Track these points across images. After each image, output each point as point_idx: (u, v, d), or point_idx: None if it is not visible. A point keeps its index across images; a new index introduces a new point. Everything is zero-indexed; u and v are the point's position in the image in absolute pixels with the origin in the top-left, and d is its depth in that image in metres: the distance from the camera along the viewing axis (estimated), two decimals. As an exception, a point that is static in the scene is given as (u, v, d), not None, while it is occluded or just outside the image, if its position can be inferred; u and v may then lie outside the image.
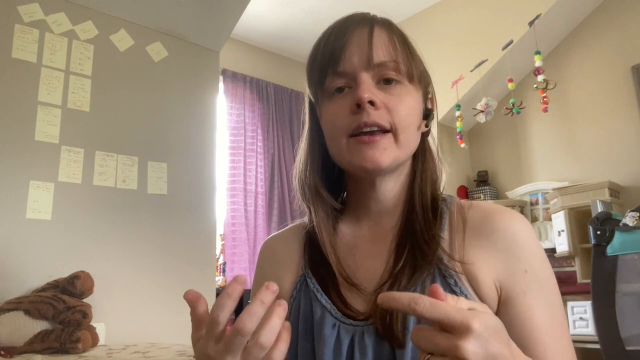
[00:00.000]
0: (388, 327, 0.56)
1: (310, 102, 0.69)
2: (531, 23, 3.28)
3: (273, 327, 0.45)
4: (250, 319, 0.45)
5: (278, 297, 0.68)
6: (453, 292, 0.57)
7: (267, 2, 3.81)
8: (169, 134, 2.48)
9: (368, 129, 0.59)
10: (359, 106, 0.59)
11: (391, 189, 0.66)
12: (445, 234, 0.62)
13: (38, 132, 2.06)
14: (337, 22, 0.65)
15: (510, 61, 3.51)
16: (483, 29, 3.75)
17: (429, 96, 0.68)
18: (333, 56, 0.61)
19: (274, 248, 0.74)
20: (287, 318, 0.66)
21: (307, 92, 0.69)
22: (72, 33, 2.24)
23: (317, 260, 0.66)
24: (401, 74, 0.61)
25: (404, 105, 0.60)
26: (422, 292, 0.57)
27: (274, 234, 0.78)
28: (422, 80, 0.65)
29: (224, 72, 4.00)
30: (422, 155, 0.68)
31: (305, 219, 0.74)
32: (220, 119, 3.82)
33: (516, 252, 0.59)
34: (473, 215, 0.63)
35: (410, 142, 0.63)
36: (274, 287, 0.46)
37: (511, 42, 3.44)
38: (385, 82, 0.61)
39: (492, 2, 3.77)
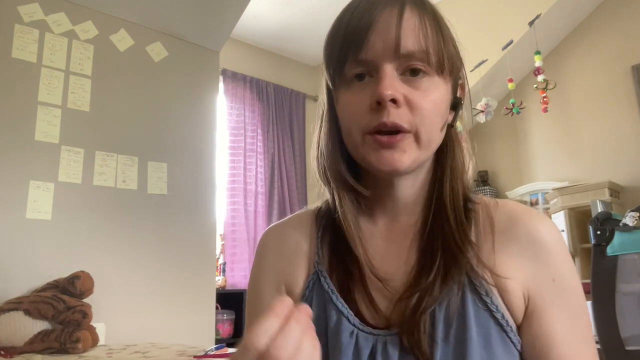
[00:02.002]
0: (416, 340, 0.52)
1: (328, 84, 0.62)
2: (531, 23, 3.28)
3: (291, 336, 0.40)
4: (264, 334, 0.40)
5: (290, 294, 0.62)
6: (484, 302, 0.53)
7: (267, 2, 3.81)
8: (169, 134, 2.48)
9: (387, 130, 0.53)
10: (379, 103, 0.53)
11: (410, 186, 0.60)
12: (474, 238, 0.57)
13: (38, 132, 2.06)
14: None
15: (510, 61, 3.51)
16: (483, 29, 3.75)
17: (460, 82, 0.61)
18: (355, 40, 0.54)
19: (280, 239, 0.66)
20: None
21: (323, 72, 0.61)
22: (72, 33, 2.24)
23: (337, 255, 0.60)
24: (430, 65, 0.54)
25: (428, 101, 0.54)
26: (451, 302, 0.53)
27: (277, 222, 0.69)
28: (453, 70, 0.58)
29: (224, 72, 4.00)
30: (450, 149, 0.61)
31: (312, 206, 0.68)
32: (220, 119, 3.82)
33: (545, 260, 0.55)
34: (500, 217, 0.58)
35: (433, 141, 0.57)
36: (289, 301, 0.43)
37: (511, 42, 3.44)
38: (411, 72, 0.54)
39: (492, 2, 3.77)
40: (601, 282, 2.31)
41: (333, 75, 0.58)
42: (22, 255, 1.94)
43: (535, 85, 3.20)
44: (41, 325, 1.72)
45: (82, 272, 1.88)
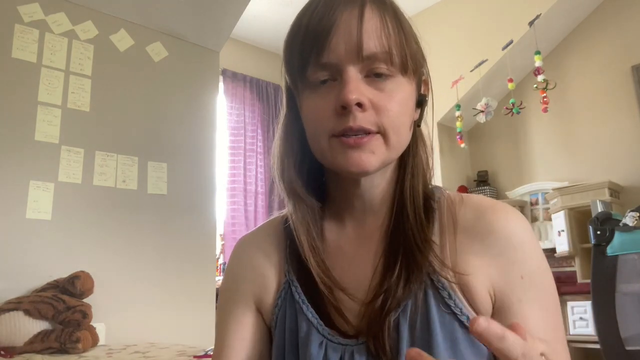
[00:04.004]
0: (381, 344, 0.52)
1: (289, 88, 0.61)
2: (531, 23, 3.28)
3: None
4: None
5: (260, 306, 0.62)
6: (447, 305, 0.52)
7: (267, 2, 3.82)
8: (169, 134, 2.48)
9: (354, 132, 0.53)
10: (344, 107, 0.52)
11: (377, 186, 0.59)
12: (436, 237, 0.56)
13: (38, 132, 2.06)
14: None
15: (510, 61, 3.51)
16: (483, 29, 3.75)
17: (423, 78, 0.60)
18: (316, 42, 0.52)
19: (250, 252, 0.65)
20: (272, 330, 0.61)
21: (284, 75, 0.60)
22: (72, 33, 2.24)
23: (301, 264, 0.59)
24: (394, 65, 0.53)
25: (394, 102, 0.53)
26: (415, 305, 0.53)
27: (247, 233, 0.68)
28: (417, 67, 0.57)
29: (224, 72, 4.00)
30: (413, 147, 0.59)
31: (282, 212, 0.67)
32: (220, 119, 3.82)
33: (512, 257, 0.54)
34: (465, 214, 0.57)
35: (402, 141, 0.56)
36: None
37: (511, 42, 3.44)
38: (375, 75, 0.53)
39: (492, 2, 3.77)
40: (601, 282, 2.31)
41: (295, 80, 0.57)
42: (22, 255, 1.94)
43: (535, 85, 3.20)
44: (41, 325, 1.72)
45: (82, 272, 1.88)
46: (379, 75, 0.53)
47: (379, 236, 0.59)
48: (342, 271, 0.58)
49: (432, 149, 0.62)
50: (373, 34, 0.52)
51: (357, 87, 0.51)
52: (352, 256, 0.59)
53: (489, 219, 0.55)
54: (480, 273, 0.53)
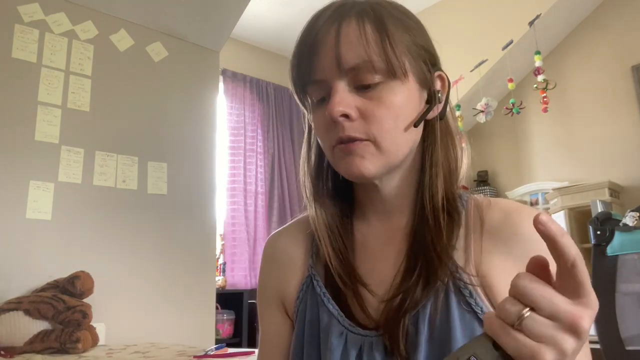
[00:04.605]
0: (396, 341, 0.53)
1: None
2: (531, 23, 3.28)
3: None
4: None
5: (284, 301, 0.66)
6: (468, 304, 0.53)
7: (267, 2, 3.82)
8: (169, 134, 2.48)
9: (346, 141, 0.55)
10: (333, 120, 0.54)
11: (396, 187, 0.60)
12: (460, 240, 0.57)
13: (38, 132, 2.06)
14: (313, 15, 0.59)
15: (510, 61, 3.52)
16: (483, 29, 3.75)
17: (437, 74, 0.59)
18: (306, 63, 0.56)
19: (276, 247, 0.69)
20: (293, 321, 0.64)
21: (294, 96, 0.64)
22: (72, 33, 2.24)
23: (324, 260, 0.62)
24: (378, 72, 0.53)
25: (383, 108, 0.54)
26: (435, 304, 0.53)
27: (277, 230, 0.72)
28: (415, 67, 0.56)
29: (224, 72, 4.00)
30: (431, 145, 0.60)
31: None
32: (220, 119, 3.82)
33: None
34: (491, 216, 0.58)
35: (398, 145, 0.56)
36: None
37: (511, 42, 3.44)
38: (362, 86, 0.55)
39: (492, 2, 3.77)
40: (601, 282, 2.31)
41: (302, 100, 0.61)
42: (22, 255, 1.94)
43: (535, 85, 3.20)
44: (41, 325, 1.72)
45: (82, 272, 1.88)
46: (366, 86, 0.54)
47: (403, 235, 0.60)
48: (367, 268, 0.60)
49: (461, 147, 0.62)
50: (351, 46, 0.53)
51: (341, 100, 0.54)
52: (378, 253, 0.61)
53: (514, 221, 0.56)
54: (503, 273, 0.54)
